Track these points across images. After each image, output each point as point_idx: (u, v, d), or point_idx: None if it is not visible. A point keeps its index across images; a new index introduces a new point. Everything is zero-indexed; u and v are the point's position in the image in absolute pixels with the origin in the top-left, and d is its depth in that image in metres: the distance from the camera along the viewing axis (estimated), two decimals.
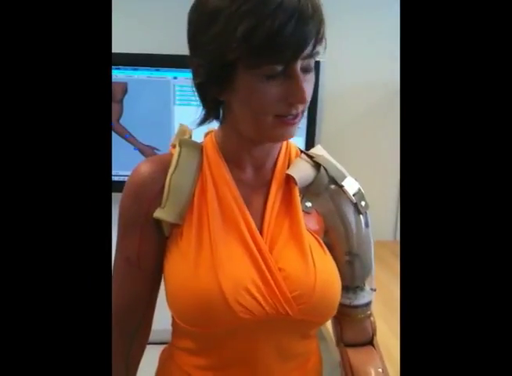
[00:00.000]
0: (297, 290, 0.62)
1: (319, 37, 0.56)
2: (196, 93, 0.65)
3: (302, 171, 0.71)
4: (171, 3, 1.55)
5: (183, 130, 0.71)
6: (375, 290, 0.81)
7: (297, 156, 0.73)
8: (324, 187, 0.72)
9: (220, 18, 0.54)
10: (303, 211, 0.69)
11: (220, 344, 0.66)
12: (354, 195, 0.73)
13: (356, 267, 0.74)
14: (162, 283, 0.69)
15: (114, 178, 1.71)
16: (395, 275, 1.89)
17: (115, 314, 0.65)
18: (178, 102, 1.83)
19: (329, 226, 0.72)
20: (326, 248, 0.69)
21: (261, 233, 0.65)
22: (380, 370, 0.75)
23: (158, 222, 0.66)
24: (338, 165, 0.75)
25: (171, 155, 0.68)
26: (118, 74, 1.78)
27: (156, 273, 0.69)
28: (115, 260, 0.68)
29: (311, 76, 0.61)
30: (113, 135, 1.81)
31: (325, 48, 0.59)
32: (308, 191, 0.71)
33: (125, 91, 1.78)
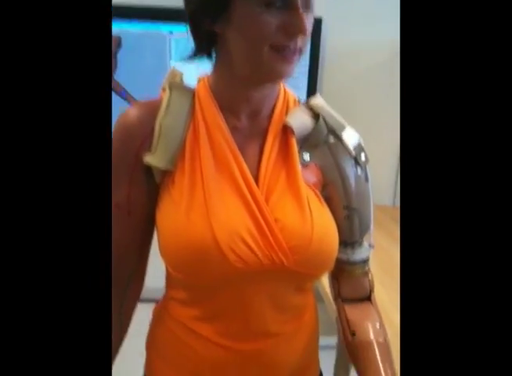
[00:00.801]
0: (293, 241, 0.60)
1: None
2: (187, 24, 0.61)
3: (300, 120, 0.67)
4: None
5: (174, 73, 0.67)
6: (373, 246, 0.79)
7: (295, 105, 0.70)
8: (323, 139, 0.69)
9: None
10: (301, 163, 0.66)
11: (214, 294, 0.64)
12: (354, 148, 0.70)
13: (354, 222, 0.72)
14: (155, 240, 0.67)
15: None
16: (395, 240, 1.90)
17: None
18: (174, 57, 1.77)
19: (328, 180, 0.69)
20: (323, 201, 0.66)
21: (256, 182, 0.63)
22: (377, 325, 0.74)
23: (149, 169, 0.63)
24: (337, 115, 0.71)
25: (161, 99, 0.64)
26: None
27: (147, 222, 0.66)
28: None
29: (311, 15, 0.57)
30: None
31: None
32: (307, 142, 0.68)
33: (119, 45, 1.72)
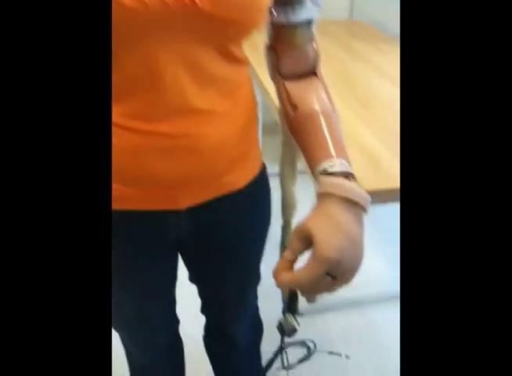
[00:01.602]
0: None
1: None
2: None
3: None
4: None
5: None
6: (319, 6, 0.62)
7: None
8: None
9: None
10: None
11: (118, 65, 0.49)
12: None
13: None
14: None
15: None
16: (352, 53, 1.81)
17: None
18: None
19: None
20: None
21: None
22: (323, 96, 0.62)
23: None
24: None
25: None
26: None
27: None
28: None
29: None
30: None
31: None
32: None
33: None
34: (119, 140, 0.54)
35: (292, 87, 0.63)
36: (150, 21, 0.46)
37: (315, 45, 0.64)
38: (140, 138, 0.55)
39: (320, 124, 0.59)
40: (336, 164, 0.55)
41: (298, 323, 0.96)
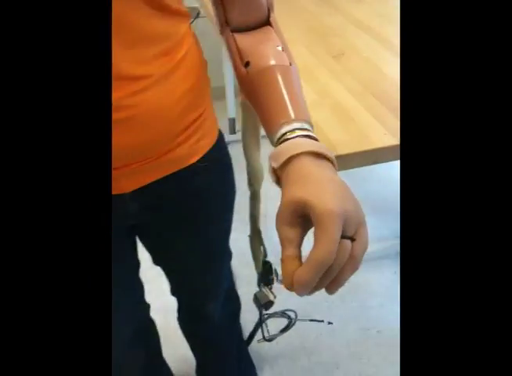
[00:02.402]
0: None
1: None
2: None
3: None
4: None
5: None
6: None
7: None
8: None
9: None
10: None
11: None
12: None
13: None
14: None
15: None
16: (323, 1, 1.66)
17: None
18: None
19: None
20: None
21: None
22: (278, 48, 0.55)
23: None
24: None
25: None
26: None
27: None
28: None
29: None
30: None
31: None
32: None
33: None
34: None
35: (242, 40, 0.56)
36: None
37: None
38: None
39: (276, 81, 0.52)
40: (296, 129, 0.48)
41: (274, 296, 0.93)
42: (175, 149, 0.59)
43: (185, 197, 0.67)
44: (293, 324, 1.26)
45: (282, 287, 0.42)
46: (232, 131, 2.33)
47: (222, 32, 0.58)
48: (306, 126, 0.49)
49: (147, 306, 0.92)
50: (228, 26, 0.57)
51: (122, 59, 0.47)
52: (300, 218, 0.42)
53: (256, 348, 1.33)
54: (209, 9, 1.19)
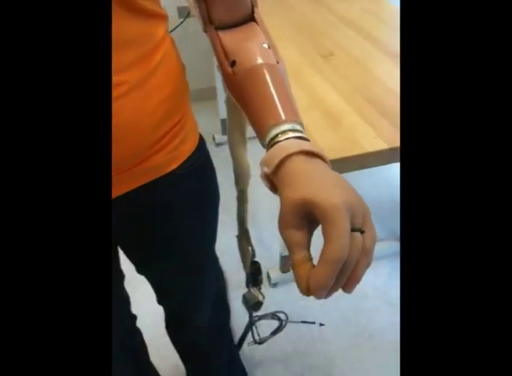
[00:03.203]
0: None
1: None
2: None
3: None
4: None
5: None
6: None
7: None
8: None
9: None
10: None
11: None
12: None
13: None
14: None
15: None
16: None
17: None
18: None
19: None
20: None
21: None
22: (264, 46, 0.54)
23: None
24: None
25: None
26: None
27: None
28: None
29: None
30: None
31: None
32: None
33: None
34: None
35: (227, 38, 0.55)
36: None
37: None
38: None
39: (264, 81, 0.50)
40: (287, 130, 0.46)
41: (263, 296, 0.92)
42: (151, 157, 0.57)
43: (165, 207, 0.65)
44: (285, 326, 1.24)
45: (299, 293, 0.40)
46: (225, 132, 2.32)
47: (206, 30, 0.57)
48: (297, 127, 0.47)
49: (134, 318, 0.90)
50: (212, 24, 0.56)
51: None
52: (303, 219, 0.40)
53: (248, 353, 1.31)
54: None
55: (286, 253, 1.51)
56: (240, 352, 1.19)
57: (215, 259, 0.84)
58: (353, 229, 0.39)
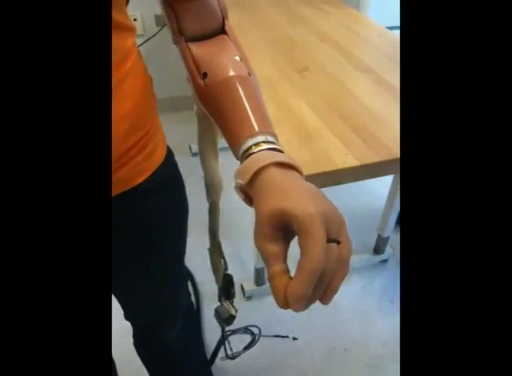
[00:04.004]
0: None
1: None
2: None
3: None
4: None
5: None
6: None
7: None
8: None
9: None
10: None
11: None
12: None
13: None
14: None
15: None
16: (289, 14, 1.69)
17: None
18: None
19: None
20: None
21: None
22: (236, 58, 0.54)
23: None
24: None
25: None
26: None
27: None
28: None
29: None
30: None
31: None
32: None
33: None
34: None
35: (198, 50, 0.55)
36: None
37: None
38: None
39: (236, 93, 0.50)
40: (261, 142, 0.46)
41: (236, 310, 0.91)
42: (117, 170, 0.55)
43: (134, 222, 0.64)
44: (258, 341, 1.23)
45: (276, 305, 0.40)
46: None
47: (176, 42, 0.57)
48: (270, 139, 0.47)
49: None
50: (182, 35, 0.56)
51: None
52: (279, 230, 0.40)
53: (221, 367, 1.29)
54: None
55: (261, 265, 1.51)
56: (213, 368, 1.17)
57: (186, 272, 0.83)
58: (329, 240, 0.39)
